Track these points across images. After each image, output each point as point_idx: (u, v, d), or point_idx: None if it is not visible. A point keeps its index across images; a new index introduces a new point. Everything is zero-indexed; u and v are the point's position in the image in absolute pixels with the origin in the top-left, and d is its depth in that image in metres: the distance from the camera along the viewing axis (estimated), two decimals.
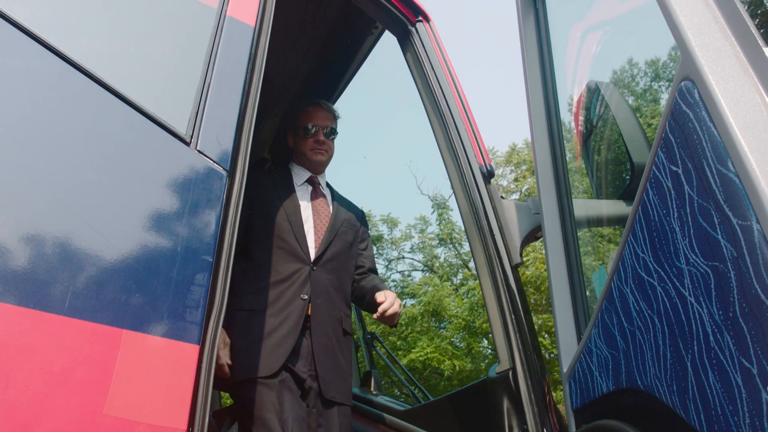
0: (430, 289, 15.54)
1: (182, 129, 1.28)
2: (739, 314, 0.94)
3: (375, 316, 2.05)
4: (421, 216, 18.15)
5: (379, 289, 2.15)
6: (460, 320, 14.60)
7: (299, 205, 2.19)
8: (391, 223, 18.00)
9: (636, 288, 1.27)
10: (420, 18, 2.31)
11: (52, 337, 0.96)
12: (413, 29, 2.28)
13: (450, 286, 16.12)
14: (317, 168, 2.33)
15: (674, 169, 1.13)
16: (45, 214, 1.04)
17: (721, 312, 0.98)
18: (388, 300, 2.03)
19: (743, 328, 0.93)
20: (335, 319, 2.11)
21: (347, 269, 2.25)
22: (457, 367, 13.60)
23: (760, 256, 0.90)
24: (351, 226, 2.30)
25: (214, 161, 1.29)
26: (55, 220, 1.04)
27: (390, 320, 2.05)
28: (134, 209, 1.15)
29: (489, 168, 2.05)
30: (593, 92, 2.01)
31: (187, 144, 1.27)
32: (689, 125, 1.09)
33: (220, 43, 1.48)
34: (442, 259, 17.79)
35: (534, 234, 1.94)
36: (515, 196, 16.54)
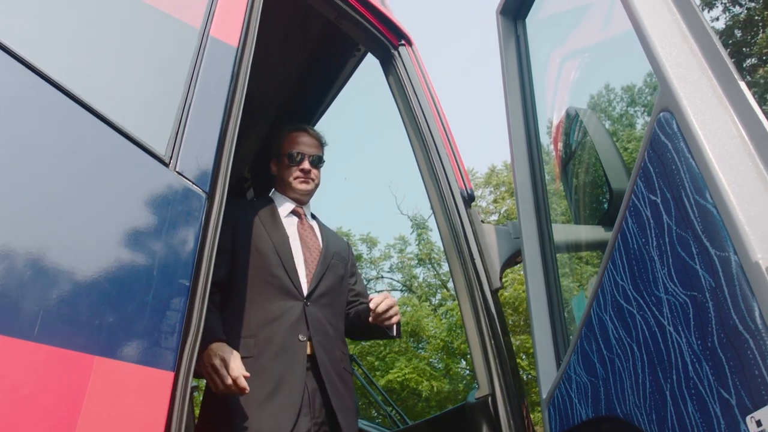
0: (408, 309, 15.50)
1: (161, 150, 1.26)
2: (717, 345, 0.95)
3: (371, 318, 1.94)
4: (400, 236, 18.17)
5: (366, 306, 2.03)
6: (439, 341, 14.57)
7: (287, 237, 2.04)
8: (371, 243, 17.98)
9: (615, 315, 1.28)
10: (402, 42, 2.32)
11: (20, 364, 0.93)
12: (396, 53, 2.30)
13: (428, 306, 16.10)
14: (302, 198, 2.19)
15: (653, 198, 1.14)
16: (16, 236, 1.00)
17: (699, 342, 0.99)
18: (378, 296, 1.94)
19: (722, 358, 0.93)
20: (336, 358, 1.94)
21: (340, 305, 2.10)
22: (435, 388, 13.53)
23: (737, 288, 0.91)
24: (341, 259, 2.17)
25: (193, 183, 1.27)
26: (28, 242, 1.01)
27: (387, 318, 1.93)
28: (110, 231, 1.12)
29: (470, 192, 2.06)
30: (572, 118, 2.04)
31: (166, 165, 1.25)
32: (668, 155, 1.10)
33: (203, 63, 1.47)
34: (420, 279, 17.80)
35: (514, 258, 1.94)
36: (494, 217, 16.67)
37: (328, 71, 2.75)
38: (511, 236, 1.98)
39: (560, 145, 2.09)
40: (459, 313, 2.10)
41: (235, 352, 1.67)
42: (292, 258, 1.98)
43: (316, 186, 2.23)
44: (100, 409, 0.98)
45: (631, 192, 1.23)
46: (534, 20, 2.09)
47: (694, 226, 1.02)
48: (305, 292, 1.94)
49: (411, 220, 17.62)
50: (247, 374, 1.62)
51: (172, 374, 1.07)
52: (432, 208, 2.12)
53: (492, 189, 17.21)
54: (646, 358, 1.16)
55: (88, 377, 0.98)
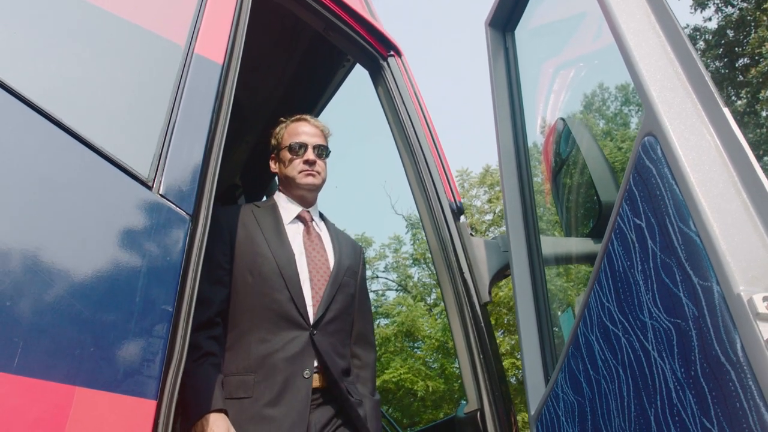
0: (403, 309, 15.51)
1: (144, 172, 1.25)
2: (700, 374, 0.95)
3: None
4: (395, 235, 18.17)
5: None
6: (434, 341, 14.58)
7: (293, 254, 1.78)
8: (366, 243, 17.96)
9: (601, 336, 1.28)
10: (392, 52, 2.32)
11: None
12: (385, 63, 2.29)
13: (423, 306, 16.11)
14: (308, 195, 1.93)
15: (638, 222, 1.14)
16: None
17: (683, 370, 0.99)
18: None
19: (704, 388, 0.93)
20: (344, 391, 1.69)
21: (347, 328, 1.85)
22: (431, 388, 13.55)
23: (719, 318, 0.91)
24: (353, 275, 1.90)
25: (176, 205, 1.26)
26: (5, 269, 1.00)
27: None
28: (92, 257, 1.11)
29: (459, 204, 2.05)
30: (561, 130, 2.04)
31: (149, 188, 1.24)
32: (652, 180, 1.10)
33: (187, 82, 1.45)
34: (416, 279, 17.81)
35: (503, 272, 1.94)
36: (489, 217, 16.69)
37: (318, 80, 2.74)
38: (500, 249, 1.97)
39: (550, 156, 2.09)
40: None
41: (232, 429, 1.49)
42: (299, 280, 1.73)
43: (323, 181, 1.97)
44: None
45: (617, 214, 1.22)
46: (522, 32, 2.09)
47: (678, 253, 1.02)
48: (312, 319, 1.70)
49: (406, 220, 17.63)
50: None
51: (154, 403, 1.06)
52: (421, 220, 2.11)
53: (486, 189, 17.22)
54: (631, 382, 1.16)
55: (69, 408, 0.97)
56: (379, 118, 2.38)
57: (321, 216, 2.01)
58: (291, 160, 1.93)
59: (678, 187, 1.03)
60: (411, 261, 17.63)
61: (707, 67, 14.88)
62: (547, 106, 2.11)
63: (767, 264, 0.89)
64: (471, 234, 2.01)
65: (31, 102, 1.15)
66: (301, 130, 1.97)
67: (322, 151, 1.97)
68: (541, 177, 2.18)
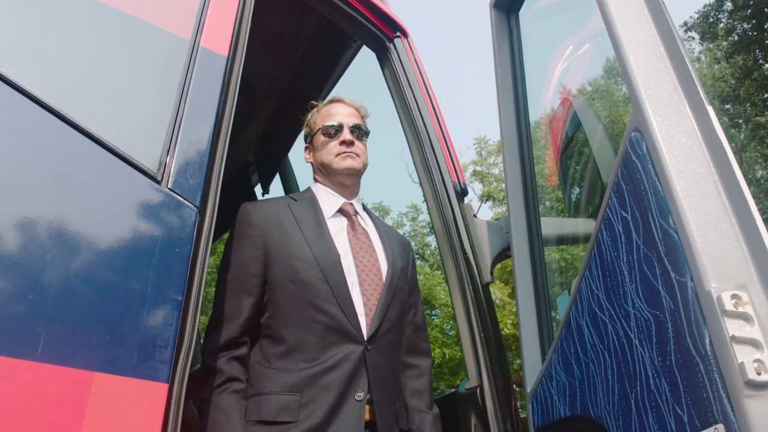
0: (421, 277, 15.66)
1: (153, 167, 1.32)
2: (674, 364, 1.00)
3: None
4: (412, 204, 18.21)
5: None
6: (450, 309, 14.73)
7: (337, 254, 1.57)
8: (383, 212, 18.05)
9: (590, 322, 1.33)
10: (398, 33, 2.33)
11: (23, 384, 1.01)
12: (391, 45, 2.31)
13: (441, 274, 16.23)
14: (348, 181, 1.73)
15: (624, 214, 1.18)
16: (14, 259, 1.07)
17: (659, 359, 1.04)
18: None
19: (677, 377, 0.99)
20: (395, 417, 1.51)
21: (401, 339, 1.67)
22: (447, 356, 13.76)
23: (692, 313, 0.96)
24: (405, 277, 1.69)
25: (185, 199, 1.32)
26: (25, 265, 1.08)
27: None
28: (105, 250, 1.18)
29: (463, 186, 2.09)
30: (566, 111, 2.05)
31: (158, 182, 1.30)
32: (637, 175, 1.14)
33: (193, 76, 1.50)
34: (433, 247, 17.90)
35: (505, 253, 1.99)
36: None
37: (327, 60, 2.76)
38: (502, 231, 2.02)
39: (555, 136, 2.11)
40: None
41: None
42: (347, 286, 1.53)
43: (364, 165, 1.76)
44: (101, 421, 1.06)
45: (606, 205, 1.26)
46: (527, 14, 2.09)
47: (658, 248, 1.06)
48: (365, 333, 1.49)
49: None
50: None
51: (167, 386, 1.15)
52: (426, 201, 2.16)
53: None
54: (615, 367, 1.22)
55: (89, 391, 1.07)
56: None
57: (365, 209, 1.80)
58: (325, 144, 1.74)
59: (660, 184, 1.06)
60: (428, 230, 17.70)
61: (733, 29, 14.43)
62: (551, 88, 2.12)
63: (738, 262, 0.93)
64: (474, 215, 2.05)
65: (42, 101, 1.21)
66: (335, 111, 1.79)
67: (360, 131, 1.77)
68: (544, 159, 2.21)
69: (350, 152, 1.71)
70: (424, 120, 2.19)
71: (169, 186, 1.32)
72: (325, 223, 1.64)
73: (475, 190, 18.72)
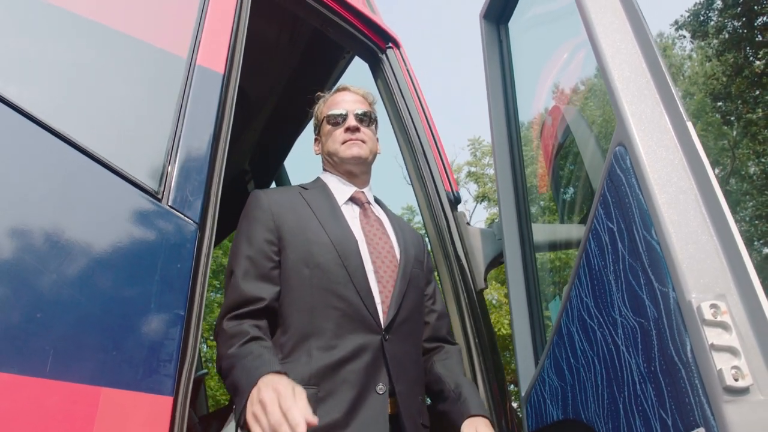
0: None
1: (154, 185, 1.35)
2: (659, 370, 1.04)
3: None
4: (408, 205, 18.24)
5: (468, 404, 1.45)
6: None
7: (354, 238, 1.52)
8: None
9: (580, 328, 1.38)
10: (390, 44, 2.37)
11: (34, 401, 1.04)
12: (383, 56, 2.35)
13: (436, 274, 16.27)
14: (356, 170, 1.68)
15: (610, 225, 1.23)
16: (20, 279, 1.11)
17: (645, 365, 1.09)
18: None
19: (662, 383, 1.03)
20: (418, 411, 1.44)
21: (420, 331, 1.60)
22: None
23: (674, 321, 1.00)
24: (420, 265, 1.64)
25: (184, 215, 1.36)
26: (31, 284, 1.12)
27: None
28: (109, 268, 1.22)
29: (456, 194, 2.13)
30: (556, 119, 2.10)
31: (159, 200, 1.34)
32: (622, 188, 1.18)
33: (191, 93, 1.54)
34: (429, 248, 17.92)
35: (498, 260, 2.03)
36: None
37: (320, 70, 2.80)
38: (495, 238, 2.06)
39: (546, 143, 2.16)
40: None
41: (299, 387, 1.17)
42: (364, 272, 1.47)
43: (372, 153, 1.72)
44: None
45: (593, 216, 1.31)
46: (516, 24, 2.14)
47: (642, 258, 1.10)
48: (383, 321, 1.43)
49: None
50: (314, 420, 1.08)
51: (171, 399, 1.19)
52: (420, 210, 2.20)
53: None
54: (604, 372, 1.26)
55: (97, 407, 1.10)
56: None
57: (376, 200, 1.76)
58: (331, 132, 1.70)
59: (643, 197, 1.11)
60: (424, 231, 17.74)
61: (724, 27, 14.54)
62: (541, 97, 2.16)
63: (717, 273, 0.98)
64: (467, 223, 2.09)
65: (43, 122, 1.25)
66: (340, 99, 1.75)
67: (367, 117, 1.72)
68: (535, 166, 2.25)
69: (356, 139, 1.67)
70: (417, 130, 2.24)
71: (169, 204, 1.35)
72: (340, 209, 1.60)
73: (470, 190, 18.78)
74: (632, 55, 1.26)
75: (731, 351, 0.92)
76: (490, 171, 17.30)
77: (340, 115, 1.71)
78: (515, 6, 2.10)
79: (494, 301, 12.51)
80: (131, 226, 1.29)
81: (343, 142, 1.67)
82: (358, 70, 2.65)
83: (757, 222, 16.16)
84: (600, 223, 1.27)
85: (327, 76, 2.78)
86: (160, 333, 1.22)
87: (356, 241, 1.51)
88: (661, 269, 1.05)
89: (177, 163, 1.42)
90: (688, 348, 0.96)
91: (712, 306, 0.94)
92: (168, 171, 1.40)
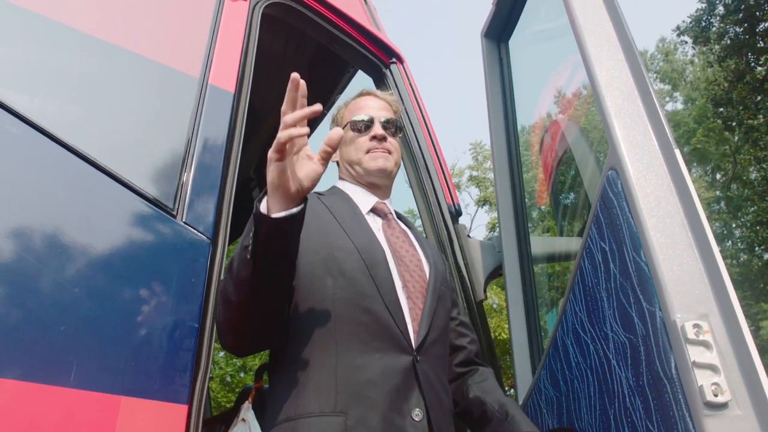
0: None
1: (169, 202, 1.42)
2: (646, 385, 1.11)
3: None
4: (409, 209, 18.29)
5: (517, 422, 1.31)
6: None
7: (381, 248, 1.38)
8: None
9: (575, 342, 1.44)
10: (394, 60, 2.44)
11: (59, 409, 1.11)
12: (387, 71, 2.42)
13: None
14: (381, 182, 1.55)
15: (603, 245, 1.29)
16: (46, 294, 1.18)
17: (634, 379, 1.15)
18: None
19: (649, 397, 1.10)
20: None
21: (446, 353, 1.45)
22: None
23: (660, 339, 1.07)
24: (446, 283, 1.50)
25: (198, 231, 1.43)
26: (56, 298, 1.19)
27: None
28: (128, 282, 1.29)
29: (457, 207, 2.20)
30: (555, 133, 2.17)
31: (174, 216, 1.41)
32: (614, 211, 1.25)
33: (203, 113, 1.61)
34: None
35: (497, 271, 2.10)
36: None
37: (325, 84, 2.87)
38: (495, 250, 2.13)
39: (546, 158, 2.22)
40: None
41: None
42: (393, 285, 1.33)
43: (397, 166, 1.60)
44: None
45: (587, 236, 1.37)
46: (516, 43, 2.21)
47: (632, 278, 1.17)
48: (414, 340, 1.29)
49: None
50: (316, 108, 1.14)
51: (186, 407, 1.26)
52: (422, 222, 2.27)
53: None
54: (596, 384, 1.33)
55: (117, 414, 1.17)
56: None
57: (397, 214, 1.63)
58: (354, 139, 1.57)
59: (633, 220, 1.18)
60: (425, 235, 17.78)
61: (725, 33, 14.60)
62: (541, 113, 2.23)
63: (701, 295, 1.04)
64: (468, 235, 2.16)
65: (63, 141, 1.32)
66: (365, 104, 1.63)
67: (393, 126, 1.59)
68: (534, 180, 2.32)
69: (382, 149, 1.55)
70: (420, 144, 2.30)
71: (183, 220, 1.42)
72: (363, 216, 1.47)
73: (471, 194, 18.84)
74: (625, 84, 1.33)
75: (712, 368, 0.98)
76: (492, 175, 17.37)
77: (365, 120, 1.57)
78: (515, 25, 2.16)
79: (495, 306, 12.57)
80: (148, 242, 1.36)
81: (368, 151, 1.55)
82: (362, 84, 2.73)
83: (758, 228, 16.19)
84: (593, 242, 1.34)
85: (331, 90, 2.85)
86: (175, 344, 1.29)
87: (383, 251, 1.38)
88: (648, 289, 1.11)
89: (190, 180, 1.49)
90: (673, 364, 1.02)
91: (695, 326, 1.01)
92: (182, 188, 1.46)
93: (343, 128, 1.60)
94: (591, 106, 1.98)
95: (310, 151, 1.20)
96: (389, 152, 1.56)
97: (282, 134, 1.13)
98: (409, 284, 1.37)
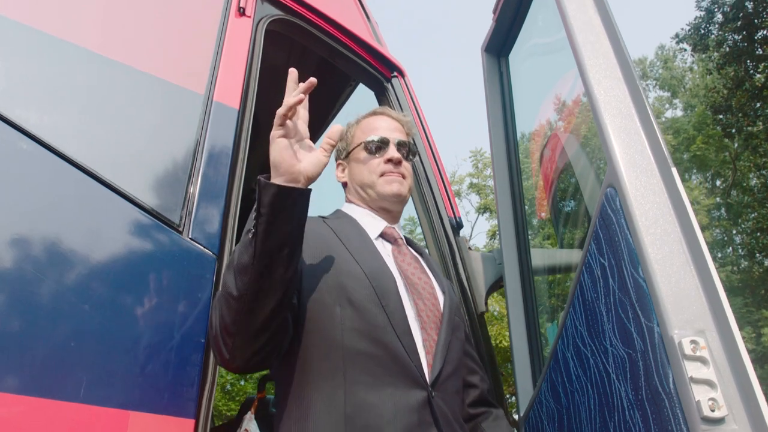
0: None
1: (175, 218, 1.45)
2: (645, 399, 1.13)
3: None
4: (410, 217, 18.31)
5: None
6: None
7: (392, 276, 1.32)
8: None
9: (575, 355, 1.46)
10: (395, 74, 2.47)
11: (70, 424, 1.13)
12: (388, 85, 2.45)
13: None
14: (394, 208, 1.51)
15: (602, 261, 1.32)
16: (56, 310, 1.20)
17: (633, 393, 1.18)
18: None
19: (648, 410, 1.12)
20: None
21: (461, 389, 1.39)
22: None
23: (659, 355, 1.09)
24: (459, 313, 1.45)
25: (204, 247, 1.46)
26: (65, 314, 1.21)
27: None
28: (137, 298, 1.31)
29: (458, 221, 2.23)
30: (554, 146, 2.19)
31: (180, 233, 1.44)
32: (612, 227, 1.27)
33: (208, 129, 1.64)
34: None
35: (498, 284, 2.12)
36: None
37: (326, 98, 2.91)
38: (495, 262, 2.15)
39: (545, 170, 2.25)
40: None
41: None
42: (405, 315, 1.26)
43: (410, 190, 1.55)
44: None
45: (586, 251, 1.40)
46: (516, 57, 2.24)
47: (630, 294, 1.19)
48: (428, 374, 1.21)
49: None
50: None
51: (193, 421, 1.28)
52: (423, 235, 2.29)
53: None
54: (596, 397, 1.35)
55: (126, 429, 1.19)
56: None
57: (407, 239, 1.56)
58: (367, 161, 1.51)
59: (631, 237, 1.20)
60: (424, 243, 17.80)
61: (724, 41, 14.67)
62: (541, 127, 2.26)
63: (697, 311, 1.07)
64: (469, 248, 2.18)
65: (75, 160, 1.34)
66: (378, 125, 1.57)
67: (408, 149, 1.54)
68: (534, 192, 2.34)
69: (397, 173, 1.49)
70: (421, 157, 2.33)
71: (190, 236, 1.45)
72: (371, 241, 1.41)
73: (472, 202, 18.87)
74: (622, 102, 1.35)
75: (709, 384, 1.00)
76: (492, 182, 17.42)
77: (380, 141, 1.51)
78: (515, 40, 2.20)
79: (495, 313, 12.57)
80: (155, 258, 1.38)
81: (382, 174, 1.49)
82: (362, 97, 2.76)
83: (758, 234, 16.22)
84: (593, 258, 1.36)
85: (333, 104, 2.89)
86: (182, 359, 1.31)
87: (394, 278, 1.31)
88: (647, 305, 1.13)
89: (196, 197, 1.51)
90: (671, 379, 1.05)
91: (692, 342, 1.03)
92: (188, 204, 1.49)
93: (354, 148, 1.57)
94: (591, 123, 2.01)
95: (312, 144, 1.23)
96: (403, 176, 1.51)
97: (281, 108, 1.17)
98: (423, 314, 1.29)
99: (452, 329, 1.33)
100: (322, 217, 1.50)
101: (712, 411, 0.97)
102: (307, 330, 1.24)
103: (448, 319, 1.33)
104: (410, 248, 1.51)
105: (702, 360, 1.02)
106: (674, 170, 1.21)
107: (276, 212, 1.11)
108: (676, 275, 1.11)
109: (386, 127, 1.56)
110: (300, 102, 1.18)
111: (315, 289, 1.26)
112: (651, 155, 1.26)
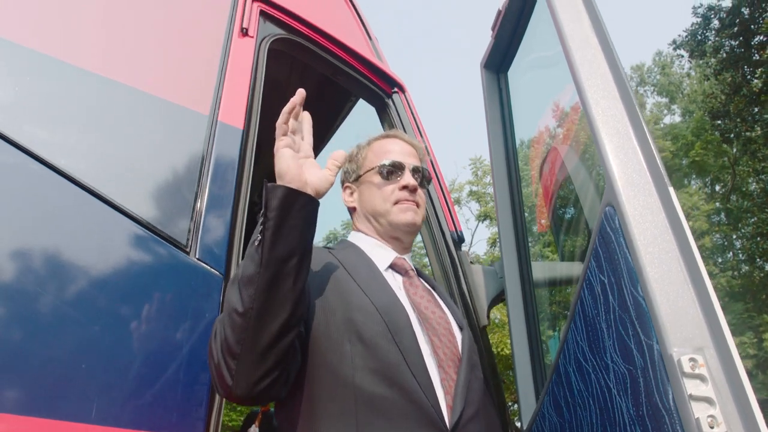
0: None
1: (182, 239, 1.48)
2: (646, 415, 1.15)
3: None
4: None
5: None
6: None
7: (405, 310, 1.24)
8: None
9: (576, 370, 1.48)
10: (396, 89, 2.51)
11: None
12: (389, 101, 2.48)
13: None
14: (405, 237, 1.44)
15: (602, 278, 1.34)
16: (67, 332, 1.22)
17: (634, 409, 1.20)
18: None
19: (649, 426, 1.14)
20: None
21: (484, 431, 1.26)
22: None
23: (659, 372, 1.11)
24: (479, 352, 1.40)
25: (211, 266, 1.48)
26: (75, 335, 1.23)
27: None
28: (146, 319, 1.34)
29: (459, 234, 2.25)
30: (554, 160, 2.22)
31: (187, 253, 1.46)
32: (612, 245, 1.30)
33: (213, 149, 1.67)
34: (429, 269, 17.99)
35: (500, 297, 2.14)
36: None
37: (327, 114, 2.94)
38: (497, 276, 2.18)
39: (546, 183, 2.28)
40: None
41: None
42: (420, 353, 1.18)
43: (423, 219, 1.49)
44: None
45: (586, 268, 1.42)
46: (516, 73, 2.27)
47: (630, 311, 1.22)
48: (448, 417, 1.13)
49: None
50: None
51: None
52: (425, 249, 2.31)
53: None
54: (598, 412, 1.37)
55: None
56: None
57: (417, 270, 1.49)
58: (381, 186, 1.44)
59: (630, 256, 1.22)
60: (425, 251, 17.82)
61: (721, 46, 14.76)
62: (540, 142, 2.29)
63: (696, 329, 1.09)
64: (471, 262, 2.21)
65: (81, 182, 1.37)
66: (392, 148, 1.50)
67: (422, 176, 1.48)
68: (534, 205, 2.37)
69: (412, 201, 1.43)
70: None
71: (197, 256, 1.48)
72: (381, 273, 1.34)
73: (472, 209, 18.90)
74: (620, 122, 1.38)
75: (707, 401, 1.02)
76: (492, 190, 17.47)
77: (395, 166, 1.44)
78: (514, 56, 2.23)
79: (496, 321, 12.58)
80: (163, 279, 1.41)
81: (396, 202, 1.42)
82: (363, 113, 2.79)
83: (758, 239, 16.23)
84: (593, 275, 1.38)
85: (334, 119, 2.92)
86: (191, 379, 1.34)
87: (406, 313, 1.23)
88: (646, 323, 1.16)
89: (202, 217, 1.54)
90: (671, 396, 1.07)
91: (691, 359, 1.05)
92: (194, 225, 1.52)
93: (367, 172, 1.49)
94: (590, 138, 2.04)
95: (317, 164, 1.23)
96: (418, 205, 1.45)
97: (279, 119, 1.20)
98: (439, 350, 1.21)
99: (471, 367, 1.24)
100: (328, 248, 1.45)
101: (711, 428, 1.00)
102: (314, 364, 1.17)
103: (468, 356, 1.25)
104: (422, 280, 1.44)
105: (701, 378, 1.04)
106: (671, 190, 1.23)
107: (284, 215, 1.08)
108: (675, 293, 1.13)
109: (400, 151, 1.50)
110: (293, 107, 1.20)
111: (322, 324, 1.19)
112: (648, 174, 1.29)
